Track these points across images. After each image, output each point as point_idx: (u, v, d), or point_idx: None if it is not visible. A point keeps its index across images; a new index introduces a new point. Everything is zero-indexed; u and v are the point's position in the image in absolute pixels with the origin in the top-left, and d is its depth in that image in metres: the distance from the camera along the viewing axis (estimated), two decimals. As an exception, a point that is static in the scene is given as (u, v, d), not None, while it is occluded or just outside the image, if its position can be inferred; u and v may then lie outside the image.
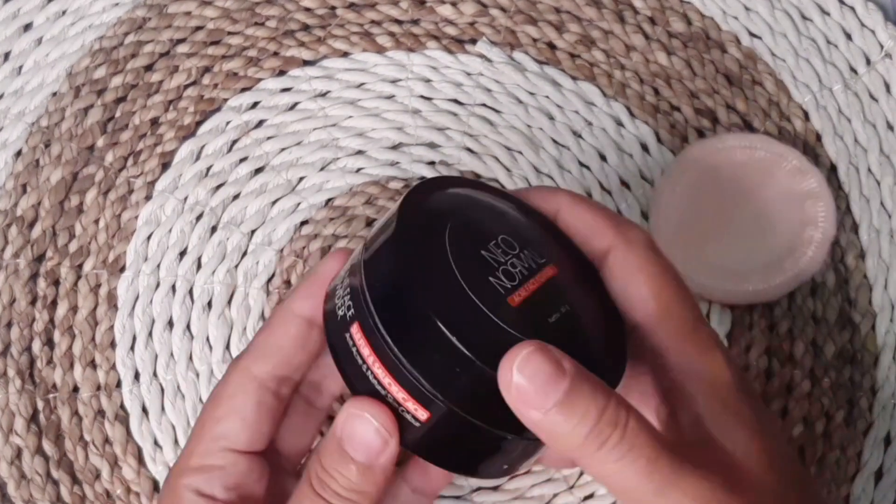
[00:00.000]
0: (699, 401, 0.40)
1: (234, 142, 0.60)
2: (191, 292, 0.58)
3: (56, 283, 0.58)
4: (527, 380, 0.37)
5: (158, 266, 0.58)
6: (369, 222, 0.59)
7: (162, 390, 0.57)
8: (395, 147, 0.60)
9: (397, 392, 0.40)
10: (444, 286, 0.39)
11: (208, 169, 0.59)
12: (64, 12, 0.61)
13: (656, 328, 0.41)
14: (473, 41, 0.61)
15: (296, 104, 0.60)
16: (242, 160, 0.59)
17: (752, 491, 0.39)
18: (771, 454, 0.40)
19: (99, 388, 0.57)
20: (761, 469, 0.39)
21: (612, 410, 0.38)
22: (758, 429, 0.40)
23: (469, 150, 0.60)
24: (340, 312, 0.41)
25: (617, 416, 0.38)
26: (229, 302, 0.58)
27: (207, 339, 0.58)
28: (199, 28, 0.61)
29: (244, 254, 0.58)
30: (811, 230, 0.57)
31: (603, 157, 0.60)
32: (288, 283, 0.58)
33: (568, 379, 0.37)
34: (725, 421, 0.40)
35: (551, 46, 0.61)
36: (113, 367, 0.57)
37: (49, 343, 0.58)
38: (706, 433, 0.40)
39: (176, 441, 0.57)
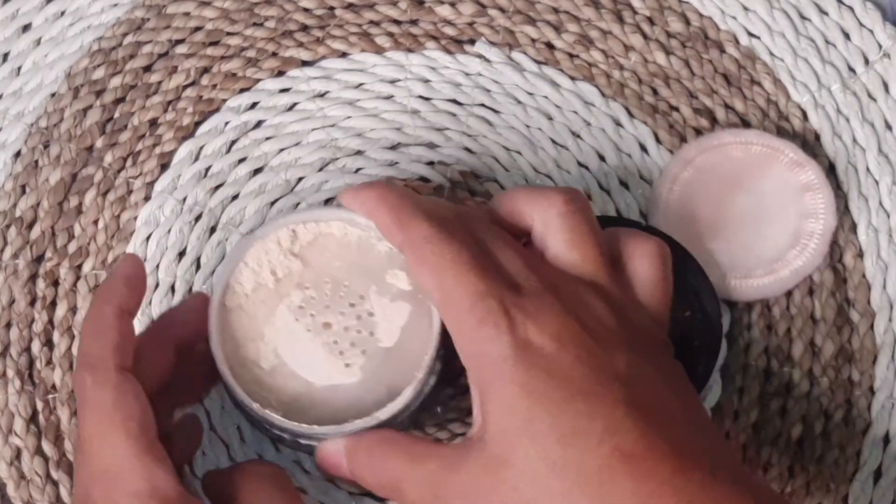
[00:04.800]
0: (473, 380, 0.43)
1: (233, 142, 0.60)
2: (190, 293, 0.58)
3: (55, 283, 0.58)
4: None
5: (157, 267, 0.58)
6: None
7: (161, 391, 0.57)
8: (393, 147, 0.60)
9: None
10: None
11: (207, 169, 0.59)
12: (63, 13, 0.61)
13: (443, 316, 0.44)
14: (472, 41, 0.61)
15: (294, 104, 0.60)
16: (241, 161, 0.59)
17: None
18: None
19: (98, 388, 0.57)
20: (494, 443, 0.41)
21: None
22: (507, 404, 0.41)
23: (468, 150, 0.60)
24: None
25: None
26: (228, 302, 0.58)
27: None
28: (197, 28, 0.61)
29: (243, 254, 0.58)
30: (812, 223, 0.57)
31: (602, 158, 0.60)
32: (287, 283, 0.58)
33: None
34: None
35: (550, 46, 0.61)
36: (112, 367, 0.57)
37: (48, 344, 0.58)
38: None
39: (175, 441, 0.57)
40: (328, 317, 0.47)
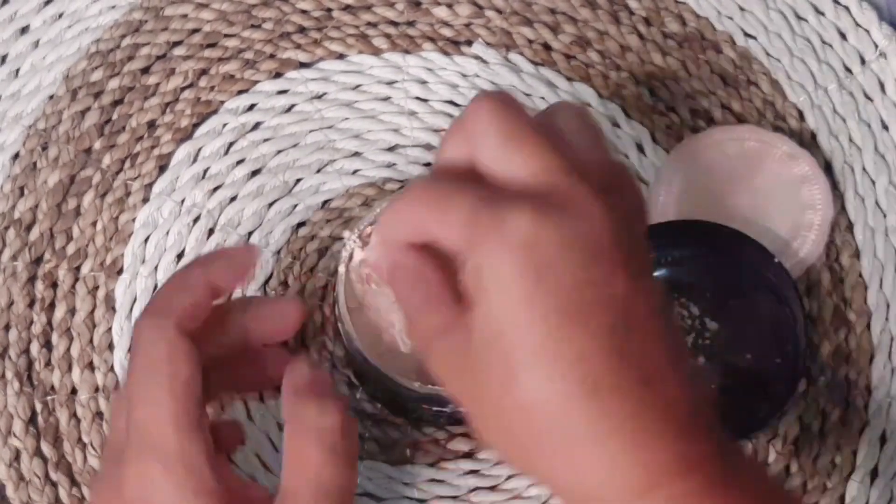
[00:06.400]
0: None
1: (231, 144, 0.60)
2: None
3: (54, 285, 0.58)
4: None
5: (156, 268, 0.58)
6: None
7: (160, 392, 0.57)
8: (391, 149, 0.60)
9: None
10: None
11: (205, 171, 0.59)
12: (61, 15, 0.61)
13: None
14: (469, 42, 0.61)
15: (292, 106, 0.60)
16: (239, 162, 0.59)
17: None
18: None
19: (97, 390, 0.57)
20: None
21: None
22: None
23: (465, 151, 0.60)
24: None
25: None
26: (227, 304, 0.58)
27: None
28: (195, 30, 0.61)
29: (241, 256, 0.58)
30: (810, 214, 0.57)
31: (598, 158, 0.60)
32: (285, 284, 0.58)
33: None
34: None
35: (547, 47, 0.61)
36: (111, 369, 0.57)
37: (47, 345, 0.58)
38: None
39: (174, 442, 0.57)
40: None
